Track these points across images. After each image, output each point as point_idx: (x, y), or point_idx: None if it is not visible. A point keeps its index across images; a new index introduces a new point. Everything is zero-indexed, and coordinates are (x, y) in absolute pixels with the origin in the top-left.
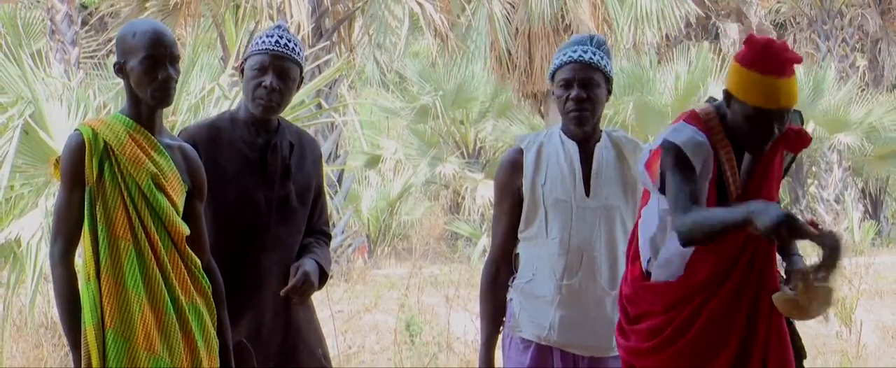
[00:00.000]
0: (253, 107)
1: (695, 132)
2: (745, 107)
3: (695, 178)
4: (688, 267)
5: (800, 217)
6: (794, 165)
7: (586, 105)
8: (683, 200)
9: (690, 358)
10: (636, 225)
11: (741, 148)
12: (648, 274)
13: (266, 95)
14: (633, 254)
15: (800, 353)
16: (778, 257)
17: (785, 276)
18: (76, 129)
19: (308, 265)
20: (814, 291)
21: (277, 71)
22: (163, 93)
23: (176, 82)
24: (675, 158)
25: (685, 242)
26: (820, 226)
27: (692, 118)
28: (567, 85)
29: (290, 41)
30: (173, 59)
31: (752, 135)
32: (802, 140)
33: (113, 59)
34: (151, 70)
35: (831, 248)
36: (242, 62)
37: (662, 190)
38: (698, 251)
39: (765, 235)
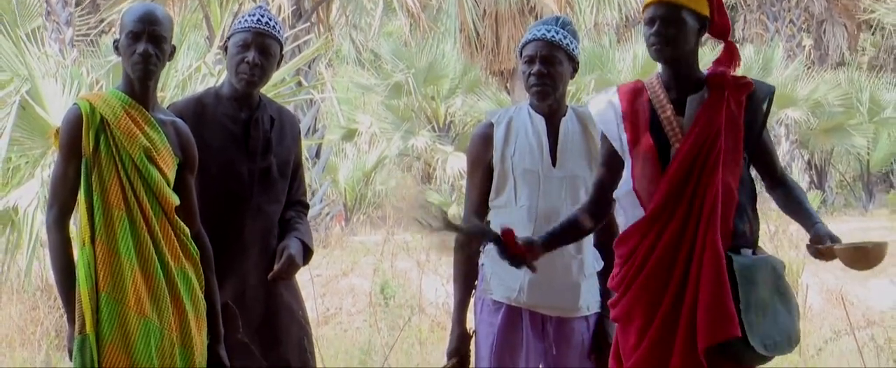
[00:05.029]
0: (236, 82)
1: (606, 99)
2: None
3: (604, 162)
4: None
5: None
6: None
7: (547, 80)
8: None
9: (648, 291)
10: None
11: (684, 97)
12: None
13: (248, 70)
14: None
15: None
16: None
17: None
18: (75, 103)
19: (293, 247)
20: (879, 246)
21: (259, 47)
22: (140, 67)
23: (156, 59)
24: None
25: None
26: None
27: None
28: (530, 61)
29: (270, 20)
30: (154, 36)
31: (647, 39)
32: (743, 85)
33: (105, 38)
34: (131, 44)
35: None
36: (226, 41)
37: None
38: (648, 187)
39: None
